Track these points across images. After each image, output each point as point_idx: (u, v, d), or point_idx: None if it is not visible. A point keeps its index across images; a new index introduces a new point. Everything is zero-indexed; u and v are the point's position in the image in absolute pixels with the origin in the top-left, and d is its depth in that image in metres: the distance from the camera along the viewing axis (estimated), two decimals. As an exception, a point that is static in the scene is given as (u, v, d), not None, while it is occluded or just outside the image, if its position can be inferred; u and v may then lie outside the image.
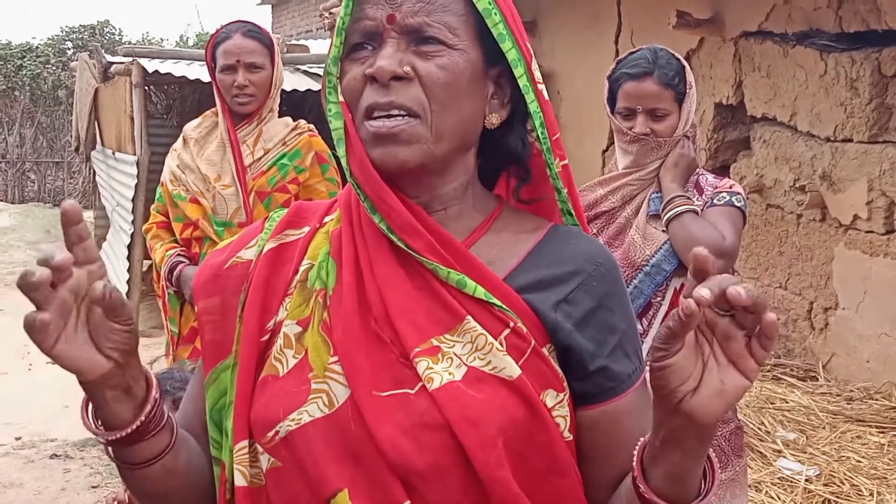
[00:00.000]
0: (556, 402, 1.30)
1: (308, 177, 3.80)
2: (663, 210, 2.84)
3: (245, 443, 1.31)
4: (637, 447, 1.25)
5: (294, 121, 3.93)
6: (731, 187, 2.94)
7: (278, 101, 3.85)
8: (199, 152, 3.81)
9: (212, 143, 3.81)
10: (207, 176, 3.74)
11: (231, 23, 3.82)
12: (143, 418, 1.28)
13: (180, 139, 3.95)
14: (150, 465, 1.33)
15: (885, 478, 4.87)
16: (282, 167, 3.76)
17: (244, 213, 3.71)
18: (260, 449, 1.31)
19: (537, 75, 1.39)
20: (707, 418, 1.14)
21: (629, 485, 1.26)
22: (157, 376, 1.34)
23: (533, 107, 1.37)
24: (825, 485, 4.78)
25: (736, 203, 2.88)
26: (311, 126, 3.95)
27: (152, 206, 4.09)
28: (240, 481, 1.31)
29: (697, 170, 2.99)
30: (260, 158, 3.75)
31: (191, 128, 3.94)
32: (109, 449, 1.33)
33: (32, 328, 1.14)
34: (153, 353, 7.21)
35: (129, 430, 1.28)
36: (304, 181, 3.78)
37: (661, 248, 2.82)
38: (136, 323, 9.17)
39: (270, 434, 1.29)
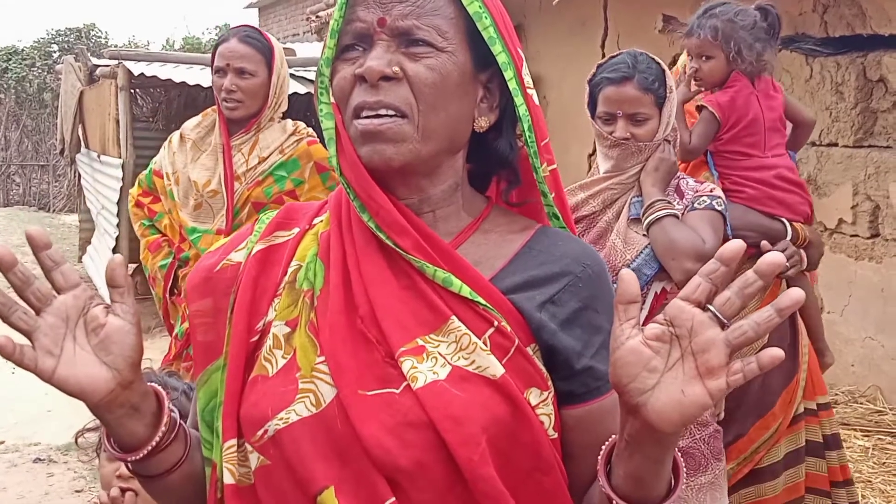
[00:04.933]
0: (541, 401, 1.32)
1: (308, 189, 3.73)
2: (644, 214, 2.85)
3: (234, 441, 1.33)
4: (605, 446, 1.26)
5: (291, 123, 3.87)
6: (711, 191, 2.95)
7: (283, 108, 3.78)
8: (194, 156, 3.77)
9: (208, 147, 3.77)
10: (197, 182, 3.71)
11: (236, 27, 3.80)
12: (159, 435, 1.33)
13: (178, 135, 3.90)
14: (169, 475, 1.38)
15: (870, 481, 4.89)
16: (279, 179, 3.70)
17: (224, 220, 3.68)
18: (250, 448, 1.32)
19: (527, 80, 1.41)
20: (663, 425, 1.12)
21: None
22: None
23: (521, 111, 1.39)
24: (810, 488, 4.78)
25: (716, 207, 2.89)
26: (311, 131, 3.87)
27: (141, 177, 4.05)
28: (228, 479, 1.33)
29: (678, 174, 2.99)
30: (255, 167, 3.69)
31: (189, 127, 3.89)
32: (129, 465, 1.37)
33: (8, 355, 1.17)
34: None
35: (146, 450, 1.33)
36: (301, 194, 3.71)
37: (641, 252, 2.83)
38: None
39: (259, 433, 1.31)
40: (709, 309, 1.09)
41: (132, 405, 1.30)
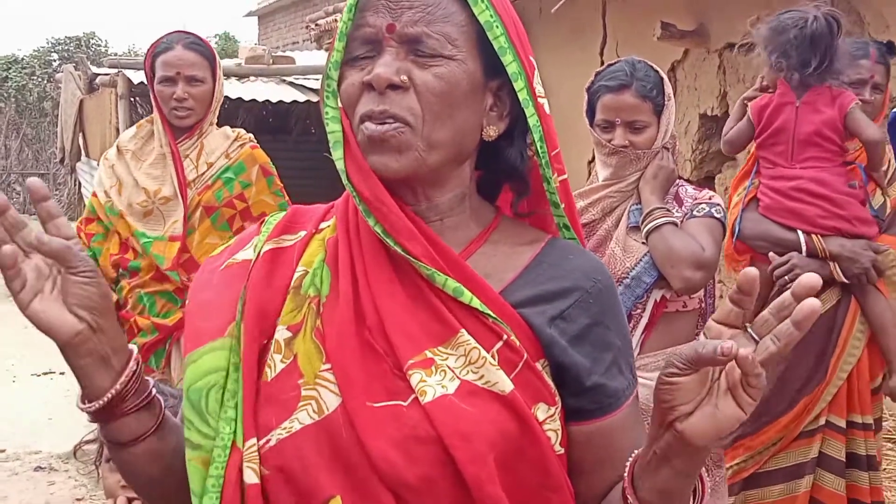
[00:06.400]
0: (548, 416, 1.30)
1: (255, 192, 3.80)
2: (643, 222, 2.85)
3: (254, 440, 1.29)
4: (630, 458, 1.26)
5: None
6: (710, 198, 2.96)
7: (217, 113, 3.84)
8: (137, 165, 3.77)
9: (150, 155, 3.78)
10: (147, 189, 3.71)
11: (172, 33, 3.79)
12: (117, 387, 1.30)
13: (114, 149, 3.90)
14: (134, 445, 1.35)
15: (870, 487, 4.87)
16: (227, 181, 3.76)
17: (181, 226, 3.69)
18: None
19: (539, 89, 1.39)
20: (697, 440, 1.14)
21: (618, 496, 1.27)
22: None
23: (532, 121, 1.37)
24: (810, 494, 4.78)
25: (716, 214, 2.89)
26: (251, 136, 3.94)
27: (83, 216, 4.01)
28: (251, 479, 1.28)
29: (677, 181, 3.00)
30: (204, 173, 3.74)
31: (126, 138, 3.89)
32: (99, 428, 1.36)
33: (3, 266, 1.21)
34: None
35: (104, 400, 1.30)
36: (250, 197, 3.79)
37: (641, 260, 2.83)
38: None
39: (261, 442, 1.28)
40: (746, 329, 1.13)
41: (101, 355, 1.29)
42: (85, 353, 1.28)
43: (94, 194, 3.90)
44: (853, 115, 3.41)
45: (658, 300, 2.86)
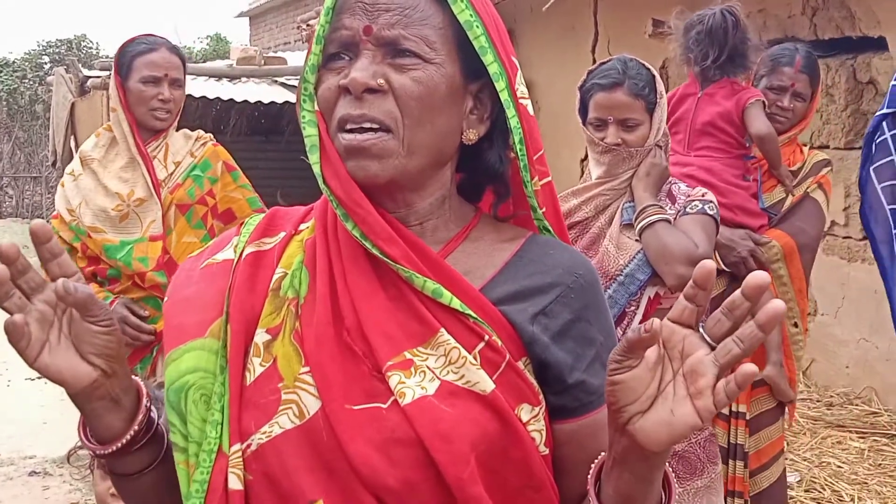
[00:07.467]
0: (532, 417, 1.29)
1: (220, 188, 3.85)
2: (636, 219, 2.85)
3: (239, 445, 1.28)
4: (595, 462, 1.25)
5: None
6: (703, 195, 2.96)
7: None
8: (104, 172, 3.75)
9: (116, 161, 3.76)
10: (120, 193, 3.69)
11: (148, 35, 3.82)
12: (133, 430, 1.31)
13: (76, 163, 3.86)
14: (140, 476, 1.35)
15: (866, 483, 4.90)
16: (196, 179, 3.79)
17: (160, 225, 3.68)
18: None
19: (521, 90, 1.37)
20: (651, 445, 1.13)
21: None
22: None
23: (513, 122, 1.35)
24: (806, 490, 4.81)
25: (708, 211, 2.90)
26: (211, 135, 3.99)
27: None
28: (235, 485, 1.27)
29: (669, 178, 3.00)
30: (173, 172, 3.76)
31: (89, 148, 3.86)
32: (101, 460, 1.36)
33: (9, 332, 1.19)
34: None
35: (119, 444, 1.30)
36: (218, 191, 3.84)
37: (634, 257, 2.83)
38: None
39: (242, 446, 1.28)
40: (697, 330, 1.10)
41: (113, 397, 1.28)
42: (97, 397, 1.28)
43: (56, 215, 3.83)
44: (748, 111, 3.55)
45: (652, 297, 2.86)
